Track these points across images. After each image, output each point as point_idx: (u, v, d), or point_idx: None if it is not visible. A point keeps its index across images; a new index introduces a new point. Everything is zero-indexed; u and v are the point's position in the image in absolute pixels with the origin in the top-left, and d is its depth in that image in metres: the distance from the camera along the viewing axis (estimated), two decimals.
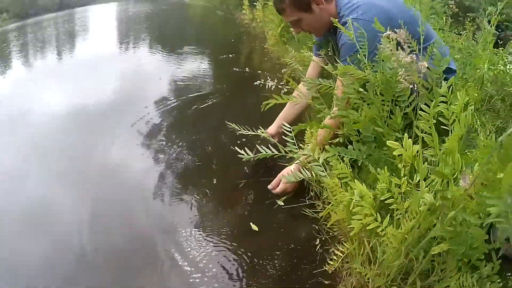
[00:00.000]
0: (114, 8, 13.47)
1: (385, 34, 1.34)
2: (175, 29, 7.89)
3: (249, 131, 1.81)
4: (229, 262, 1.48)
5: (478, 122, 1.67)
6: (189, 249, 1.54)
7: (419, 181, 1.08)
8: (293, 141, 1.61)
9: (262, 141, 1.97)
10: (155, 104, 2.95)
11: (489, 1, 4.11)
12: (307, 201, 1.72)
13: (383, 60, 1.40)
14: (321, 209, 1.64)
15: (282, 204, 1.73)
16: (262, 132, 1.85)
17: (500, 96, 1.93)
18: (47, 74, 4.70)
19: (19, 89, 3.97)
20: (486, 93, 1.98)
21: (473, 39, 2.39)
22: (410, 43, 1.41)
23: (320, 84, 1.63)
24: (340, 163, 1.35)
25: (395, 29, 1.38)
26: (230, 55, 4.33)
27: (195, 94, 3.13)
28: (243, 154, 1.57)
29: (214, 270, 1.44)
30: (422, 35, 1.46)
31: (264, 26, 5.12)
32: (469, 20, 3.91)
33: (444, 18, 3.69)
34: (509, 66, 1.81)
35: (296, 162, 1.72)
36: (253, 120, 2.28)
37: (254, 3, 5.49)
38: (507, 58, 2.02)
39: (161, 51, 4.99)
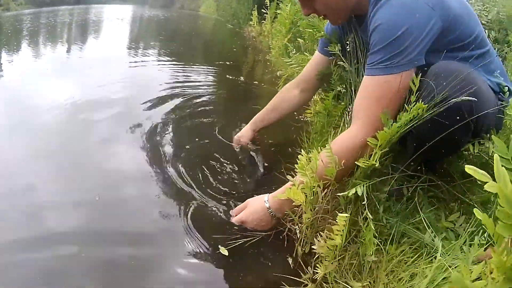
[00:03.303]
0: (129, 9, 13.09)
1: None
2: (184, 36, 7.43)
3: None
4: None
5: None
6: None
7: None
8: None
9: (242, 151, 1.69)
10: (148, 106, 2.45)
11: None
12: (291, 265, 1.06)
13: None
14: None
15: (226, 254, 1.09)
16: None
17: None
18: (50, 63, 4.17)
19: (20, 76, 3.45)
20: None
21: None
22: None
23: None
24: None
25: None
26: (232, 63, 3.89)
27: (190, 100, 2.59)
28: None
29: None
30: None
31: (270, 40, 4.61)
32: None
33: None
34: None
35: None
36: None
37: (264, 14, 4.99)
38: None
39: (168, 56, 4.48)
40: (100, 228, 1.23)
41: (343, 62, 1.21)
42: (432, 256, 0.82)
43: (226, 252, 1.09)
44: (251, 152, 1.65)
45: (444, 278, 0.68)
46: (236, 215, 1.17)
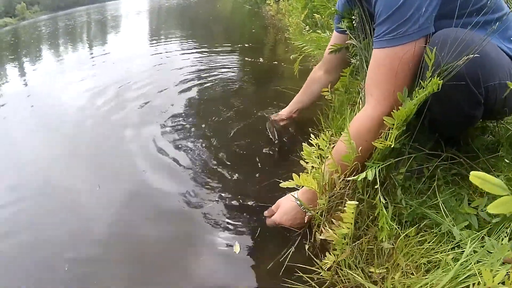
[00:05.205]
0: (146, 1, 13.11)
1: None
2: (203, 21, 7.40)
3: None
4: None
5: None
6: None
7: None
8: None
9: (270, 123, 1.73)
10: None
11: None
12: (307, 252, 1.04)
13: None
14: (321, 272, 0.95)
15: (237, 251, 1.10)
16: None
17: None
18: (73, 65, 4.34)
19: (44, 80, 3.66)
20: None
21: None
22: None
23: None
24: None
25: None
26: (251, 45, 3.89)
27: (211, 83, 2.67)
28: None
29: None
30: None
31: (287, 17, 4.48)
32: None
33: None
34: None
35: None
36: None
37: None
38: None
39: (189, 43, 4.54)
40: (122, 223, 1.28)
41: (351, 38, 1.14)
42: (452, 242, 0.78)
43: (238, 250, 1.09)
44: (269, 127, 1.72)
45: (468, 275, 0.63)
46: (269, 217, 1.13)
